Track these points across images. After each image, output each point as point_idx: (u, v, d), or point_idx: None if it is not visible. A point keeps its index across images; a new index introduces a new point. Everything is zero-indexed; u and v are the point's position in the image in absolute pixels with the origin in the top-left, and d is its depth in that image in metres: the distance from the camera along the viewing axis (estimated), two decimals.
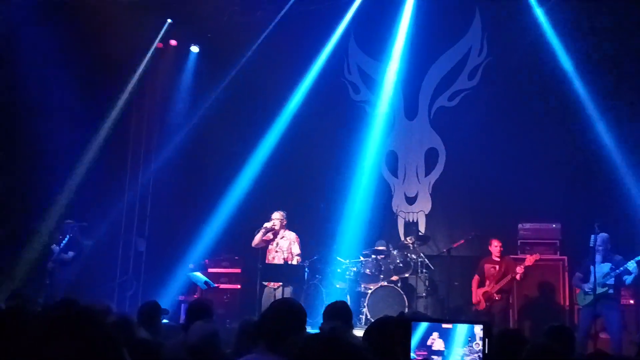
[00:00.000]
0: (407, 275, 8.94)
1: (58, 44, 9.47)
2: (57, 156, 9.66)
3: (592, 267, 6.93)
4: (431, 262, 9.10)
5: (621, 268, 6.91)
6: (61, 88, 9.53)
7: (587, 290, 7.08)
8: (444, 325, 2.47)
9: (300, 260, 8.63)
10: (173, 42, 11.44)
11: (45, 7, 9.38)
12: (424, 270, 9.03)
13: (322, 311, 8.57)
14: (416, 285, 8.92)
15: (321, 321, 4.12)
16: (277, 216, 8.65)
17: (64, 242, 9.03)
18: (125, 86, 11.04)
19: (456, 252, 8.71)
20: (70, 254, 9.13)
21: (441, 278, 9.16)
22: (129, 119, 11.38)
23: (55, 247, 9.14)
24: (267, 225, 8.55)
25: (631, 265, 6.87)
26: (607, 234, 7.16)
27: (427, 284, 8.99)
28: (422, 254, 9.06)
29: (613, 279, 6.97)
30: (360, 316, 8.66)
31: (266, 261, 8.64)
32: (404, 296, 8.51)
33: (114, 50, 9.97)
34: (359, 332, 3.78)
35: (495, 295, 7.98)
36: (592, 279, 6.88)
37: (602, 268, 7.09)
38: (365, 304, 8.66)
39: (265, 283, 8.58)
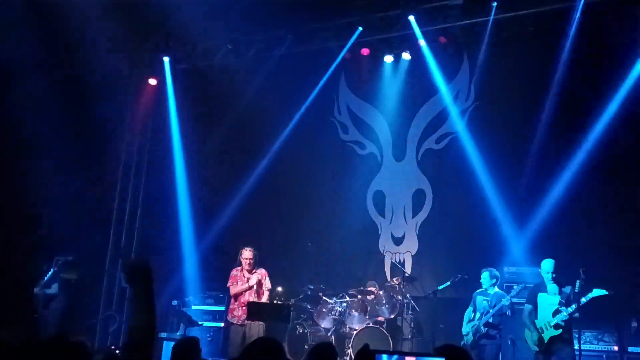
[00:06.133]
0: (392, 316, 8.90)
1: (44, 62, 9.60)
2: (43, 190, 9.65)
3: (565, 308, 6.88)
4: (417, 303, 9.07)
5: (573, 308, 6.75)
6: (48, 122, 9.62)
7: (532, 329, 6.95)
8: (407, 358, 2.48)
9: (269, 295, 8.63)
10: (152, 81, 11.63)
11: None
12: (410, 312, 9.00)
13: (306, 351, 8.52)
14: (402, 326, 8.86)
15: None
16: (249, 255, 8.60)
17: (47, 276, 8.94)
18: (114, 121, 11.18)
19: (442, 294, 8.69)
20: (54, 287, 9.02)
21: (427, 320, 9.11)
22: (117, 151, 11.46)
23: (37, 286, 8.98)
24: (251, 279, 8.52)
25: (575, 306, 6.74)
26: (553, 259, 7.16)
27: (412, 325, 8.94)
28: (408, 295, 9.04)
29: (567, 317, 6.82)
30: (345, 357, 8.58)
31: (236, 301, 8.57)
32: (389, 338, 8.45)
33: (104, 82, 10.13)
34: None
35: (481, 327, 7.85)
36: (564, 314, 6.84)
37: (552, 300, 6.99)
38: (350, 345, 8.58)
39: (233, 321, 8.51)
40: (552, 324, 6.89)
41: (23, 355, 2.40)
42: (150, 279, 2.35)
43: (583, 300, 6.75)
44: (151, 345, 2.28)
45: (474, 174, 9.78)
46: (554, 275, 7.06)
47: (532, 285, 7.68)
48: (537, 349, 7.02)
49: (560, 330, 6.86)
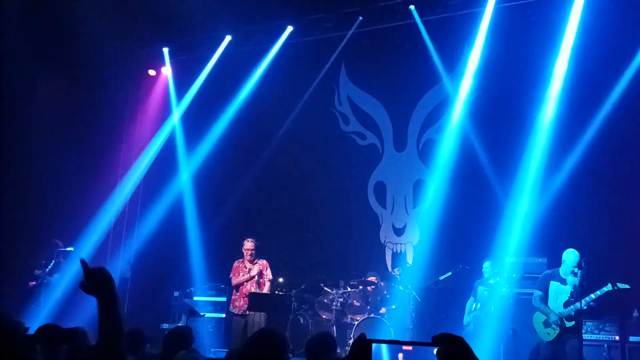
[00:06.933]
0: (394, 306, 8.91)
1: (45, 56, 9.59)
2: (44, 181, 9.65)
3: (577, 303, 6.78)
4: (418, 293, 9.07)
5: (587, 300, 6.62)
6: (48, 117, 9.62)
7: (552, 325, 6.78)
8: (405, 347, 2.48)
9: (270, 285, 8.67)
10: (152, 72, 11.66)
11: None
12: (411, 302, 9.00)
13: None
14: (403, 316, 8.87)
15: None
16: (250, 246, 8.65)
17: (49, 267, 8.95)
18: (114, 112, 11.17)
19: (443, 284, 8.69)
20: (56, 276, 9.05)
21: (428, 310, 9.11)
22: (118, 144, 11.45)
23: (38, 272, 9.04)
24: (252, 270, 8.56)
25: (588, 299, 6.63)
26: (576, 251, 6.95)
27: (413, 315, 8.94)
28: (409, 286, 9.03)
29: (577, 309, 6.65)
30: (347, 348, 8.58)
31: (237, 291, 8.63)
32: (391, 328, 8.45)
33: (104, 72, 10.11)
34: None
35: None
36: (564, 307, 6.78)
37: (563, 290, 6.89)
38: (351, 335, 8.59)
39: (235, 312, 8.55)
40: (563, 315, 6.80)
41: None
42: (112, 287, 2.34)
43: (598, 293, 6.64)
44: (121, 346, 2.27)
45: (475, 164, 9.75)
46: (578, 269, 6.79)
47: (534, 274, 7.63)
48: (549, 337, 6.86)
49: (573, 322, 6.79)
